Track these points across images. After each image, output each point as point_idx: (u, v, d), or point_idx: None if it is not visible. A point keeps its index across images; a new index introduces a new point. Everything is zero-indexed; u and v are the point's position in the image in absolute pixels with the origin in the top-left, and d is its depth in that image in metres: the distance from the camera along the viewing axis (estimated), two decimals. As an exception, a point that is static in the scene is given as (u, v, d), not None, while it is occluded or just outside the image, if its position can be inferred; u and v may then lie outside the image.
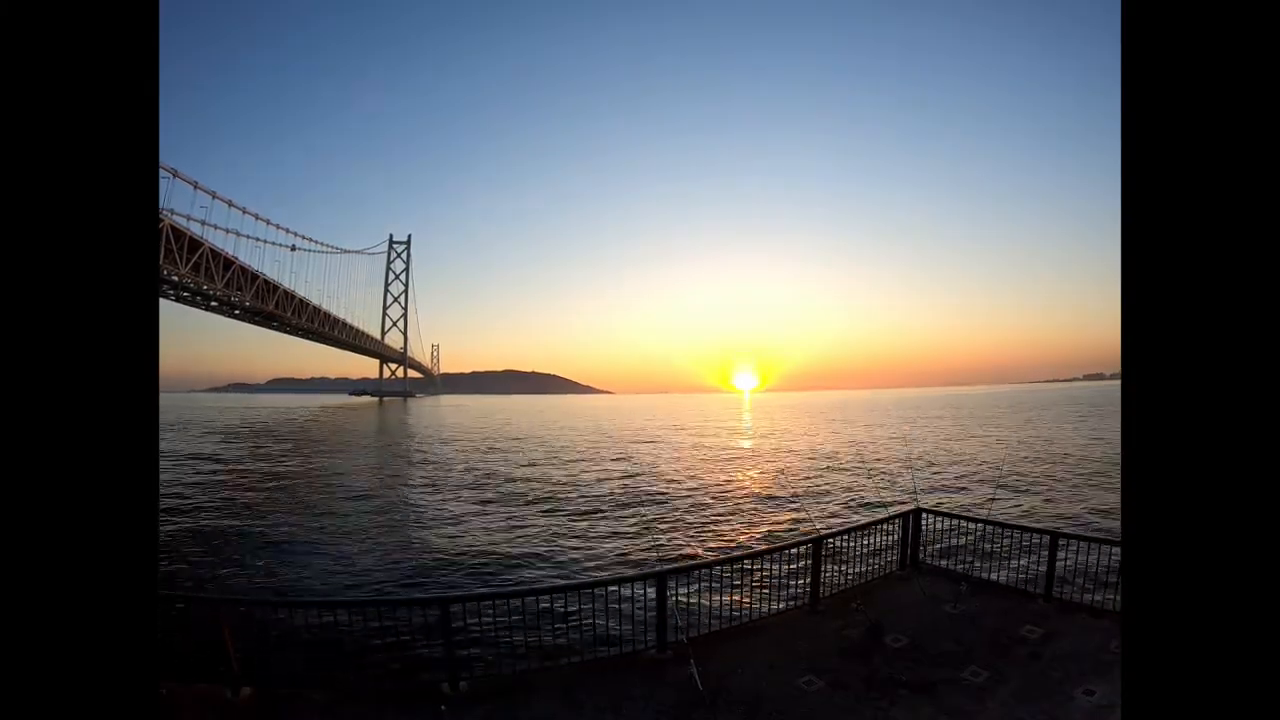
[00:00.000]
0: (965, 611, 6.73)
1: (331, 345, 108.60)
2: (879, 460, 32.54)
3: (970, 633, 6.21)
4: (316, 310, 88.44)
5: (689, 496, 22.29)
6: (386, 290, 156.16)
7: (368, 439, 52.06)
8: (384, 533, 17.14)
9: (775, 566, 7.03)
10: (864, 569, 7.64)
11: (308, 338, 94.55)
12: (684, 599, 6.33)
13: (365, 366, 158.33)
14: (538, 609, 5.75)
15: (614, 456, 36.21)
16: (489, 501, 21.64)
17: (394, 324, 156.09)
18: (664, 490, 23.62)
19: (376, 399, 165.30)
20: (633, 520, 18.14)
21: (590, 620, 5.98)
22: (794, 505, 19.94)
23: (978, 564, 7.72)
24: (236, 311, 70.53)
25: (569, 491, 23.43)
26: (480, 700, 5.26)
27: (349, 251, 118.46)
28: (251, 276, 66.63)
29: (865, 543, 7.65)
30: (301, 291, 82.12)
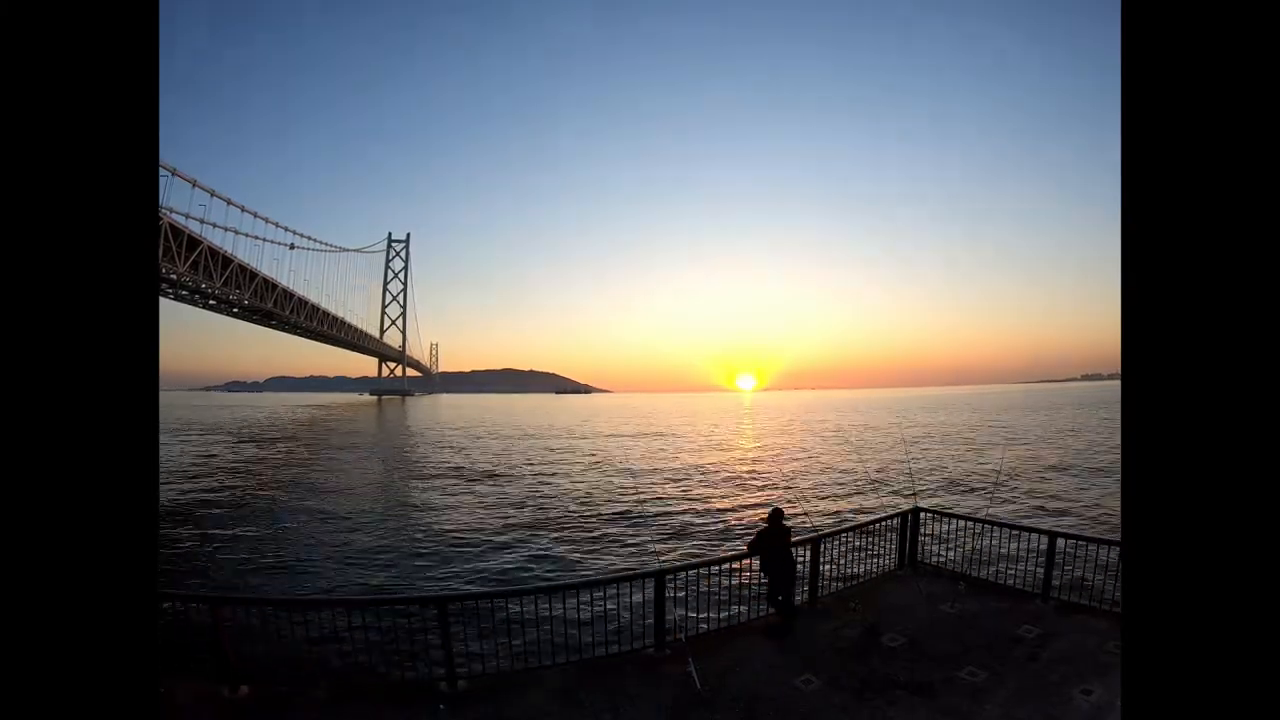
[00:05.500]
0: (963, 611, 6.74)
1: (330, 344, 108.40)
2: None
3: (968, 633, 6.21)
4: (315, 308, 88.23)
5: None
6: (385, 289, 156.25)
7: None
8: (379, 529, 17.14)
9: None
10: (862, 568, 7.64)
11: (306, 336, 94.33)
12: (682, 598, 6.33)
13: (364, 365, 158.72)
14: (535, 608, 5.75)
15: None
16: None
17: (392, 322, 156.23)
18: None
19: (375, 398, 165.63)
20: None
21: (588, 619, 5.98)
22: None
23: (976, 564, 7.72)
24: (235, 310, 70.31)
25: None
26: (479, 699, 5.26)
27: (348, 250, 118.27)
28: (250, 274, 66.45)
29: (863, 542, 7.66)
30: (300, 290, 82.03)
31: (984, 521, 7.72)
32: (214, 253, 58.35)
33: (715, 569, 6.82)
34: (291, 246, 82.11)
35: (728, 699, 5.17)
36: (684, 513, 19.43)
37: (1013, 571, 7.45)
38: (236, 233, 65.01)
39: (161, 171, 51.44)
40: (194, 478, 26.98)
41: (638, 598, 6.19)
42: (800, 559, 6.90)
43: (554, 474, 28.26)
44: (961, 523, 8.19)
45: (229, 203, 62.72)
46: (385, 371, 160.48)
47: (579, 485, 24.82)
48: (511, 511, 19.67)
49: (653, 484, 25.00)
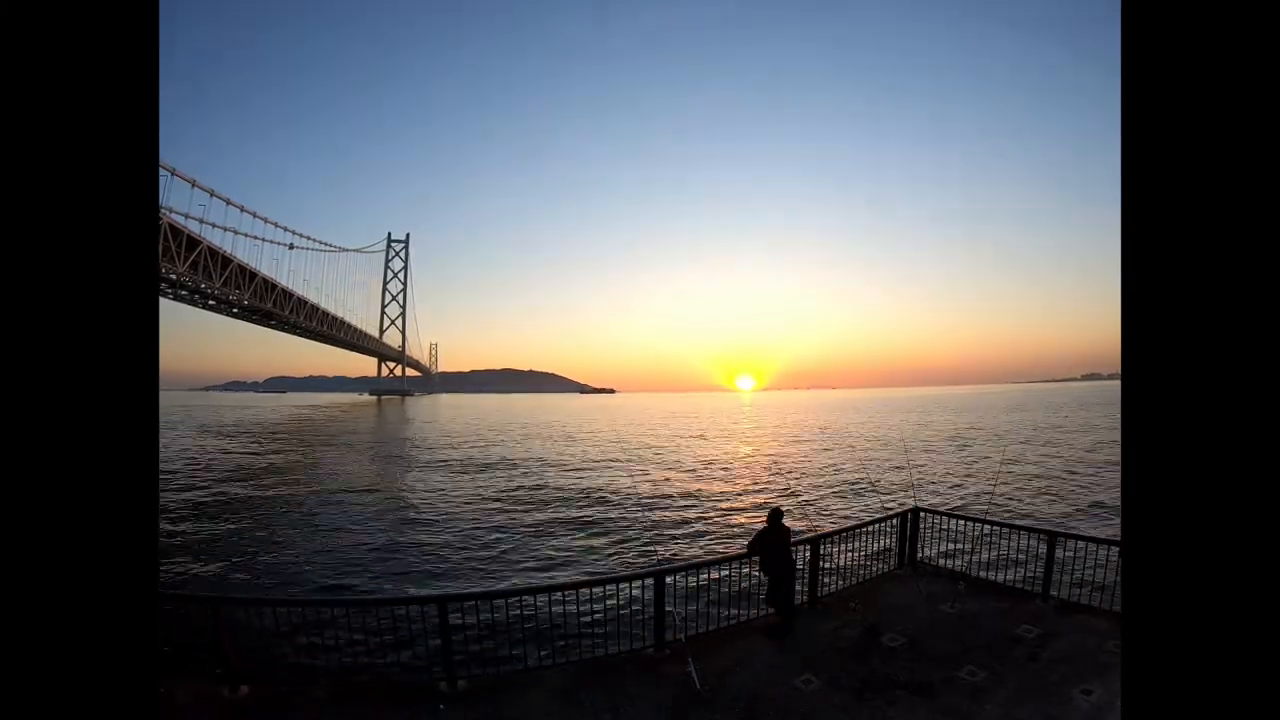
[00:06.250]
0: (963, 611, 6.74)
1: (329, 344, 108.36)
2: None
3: (968, 633, 6.21)
4: (315, 308, 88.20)
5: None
6: (385, 289, 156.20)
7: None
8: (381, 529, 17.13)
9: None
10: (862, 568, 7.64)
11: (306, 336, 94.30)
12: (682, 598, 6.33)
13: (363, 365, 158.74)
14: (536, 608, 5.75)
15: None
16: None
17: (392, 322, 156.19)
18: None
19: (375, 398, 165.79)
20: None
21: (589, 619, 5.98)
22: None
23: (976, 563, 7.72)
24: (234, 310, 70.28)
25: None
26: (479, 699, 5.26)
27: (347, 250, 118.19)
28: (249, 274, 66.43)
29: (863, 542, 7.66)
30: (300, 290, 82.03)
31: (984, 521, 7.72)
32: (214, 253, 58.34)
33: (715, 569, 6.81)
34: (291, 246, 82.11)
35: (728, 699, 5.17)
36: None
37: (1013, 572, 7.45)
38: (236, 233, 65.09)
39: (161, 171, 51.42)
40: (194, 478, 26.96)
41: (638, 598, 6.19)
42: (800, 559, 6.89)
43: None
44: (961, 522, 8.19)
45: (228, 203, 62.74)
46: (385, 371, 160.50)
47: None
48: (511, 509, 19.69)
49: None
